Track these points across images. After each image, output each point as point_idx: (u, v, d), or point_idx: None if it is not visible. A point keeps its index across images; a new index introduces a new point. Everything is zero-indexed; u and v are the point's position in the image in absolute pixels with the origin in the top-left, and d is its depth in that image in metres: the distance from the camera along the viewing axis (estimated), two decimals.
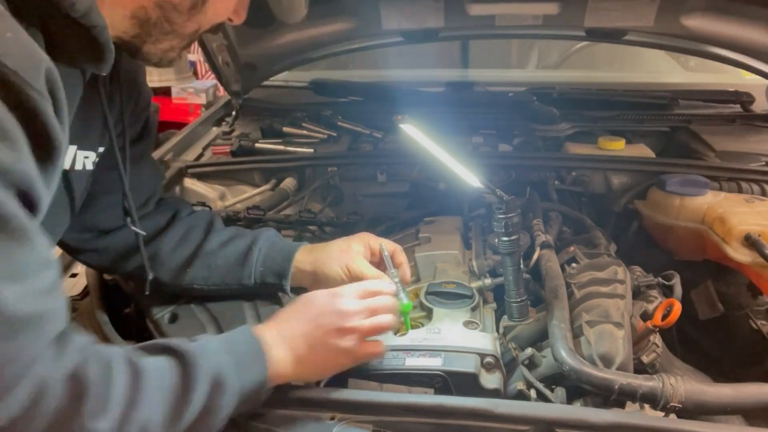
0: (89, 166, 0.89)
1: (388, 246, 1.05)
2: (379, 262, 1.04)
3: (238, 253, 1.06)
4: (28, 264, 0.57)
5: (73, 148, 0.84)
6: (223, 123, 1.93)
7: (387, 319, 0.87)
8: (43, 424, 0.58)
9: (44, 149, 0.60)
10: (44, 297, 0.58)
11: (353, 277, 1.00)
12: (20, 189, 0.56)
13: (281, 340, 0.81)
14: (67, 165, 0.83)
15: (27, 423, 0.56)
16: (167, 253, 1.05)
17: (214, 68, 1.81)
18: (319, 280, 1.04)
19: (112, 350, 0.67)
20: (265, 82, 1.99)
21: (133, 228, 0.98)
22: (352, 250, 1.03)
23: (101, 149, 0.93)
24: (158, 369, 0.69)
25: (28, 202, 0.58)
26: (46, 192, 0.62)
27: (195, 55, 4.96)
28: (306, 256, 1.06)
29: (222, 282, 1.06)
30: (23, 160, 0.56)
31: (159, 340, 0.74)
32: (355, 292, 0.88)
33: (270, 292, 1.09)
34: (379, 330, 0.86)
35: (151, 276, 1.02)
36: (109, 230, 1.03)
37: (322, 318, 0.84)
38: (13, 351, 0.55)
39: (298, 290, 1.06)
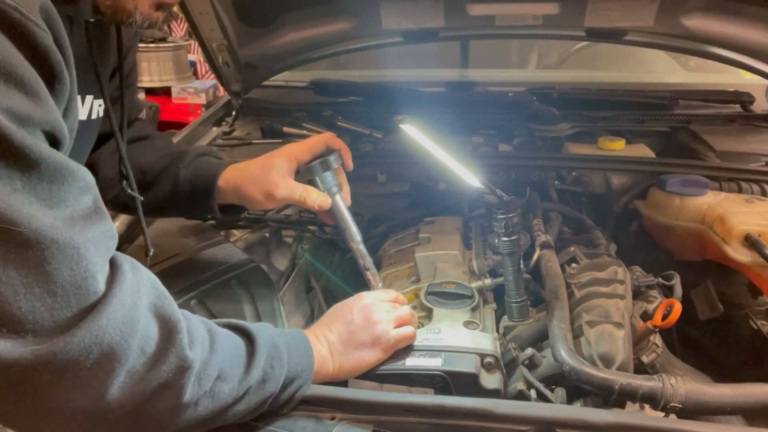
0: (101, 114, 0.90)
1: (331, 142, 1.06)
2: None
3: (173, 155, 1.10)
4: (69, 195, 0.58)
5: (89, 98, 0.85)
6: (223, 123, 1.92)
7: (407, 310, 0.97)
8: (142, 355, 0.60)
9: (51, 83, 0.61)
10: (89, 219, 0.60)
11: (276, 201, 1.02)
12: (45, 130, 0.58)
13: (319, 341, 0.88)
14: (84, 115, 0.84)
15: (122, 350, 0.59)
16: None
17: (214, 68, 1.81)
18: (241, 200, 1.05)
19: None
20: (265, 82, 1.98)
21: (130, 192, 0.98)
22: (273, 171, 1.01)
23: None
24: (226, 332, 0.74)
25: (54, 141, 0.60)
26: (65, 125, 0.63)
27: (195, 55, 4.97)
28: (230, 174, 1.05)
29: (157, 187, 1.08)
30: (45, 103, 0.58)
31: (216, 320, 0.77)
32: (376, 294, 0.99)
33: (199, 214, 1.14)
34: (403, 321, 0.95)
35: (152, 252, 1.02)
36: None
37: (352, 315, 0.92)
38: (79, 275, 0.56)
39: (228, 208, 1.09)
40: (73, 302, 0.56)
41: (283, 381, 0.76)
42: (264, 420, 0.78)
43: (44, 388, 0.55)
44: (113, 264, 0.62)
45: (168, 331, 0.63)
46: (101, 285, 0.59)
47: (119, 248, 1.21)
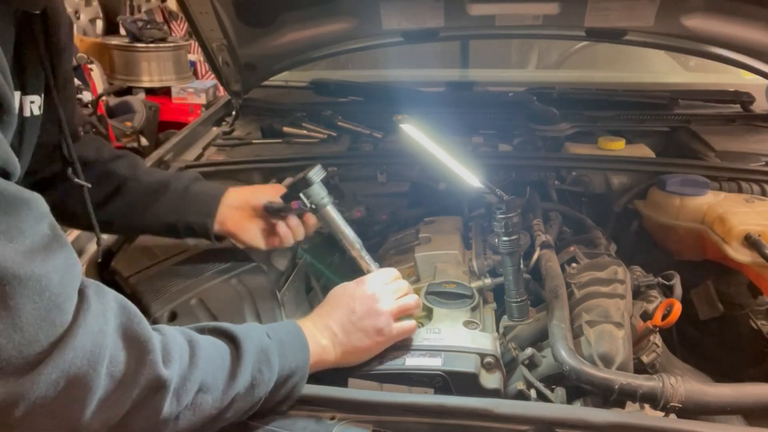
0: (36, 111, 0.86)
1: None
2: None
3: (156, 186, 1.08)
4: (26, 225, 0.56)
5: (17, 95, 0.80)
6: (223, 123, 1.92)
7: (412, 299, 0.97)
8: (112, 380, 0.59)
9: (0, 116, 0.59)
10: (49, 248, 0.58)
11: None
12: None
13: (319, 331, 0.87)
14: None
15: (91, 378, 0.57)
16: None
17: (214, 68, 1.81)
18: (243, 220, 1.09)
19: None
20: (265, 82, 1.98)
21: (76, 180, 0.94)
22: (274, 190, 1.13)
23: (44, 94, 0.89)
24: (210, 342, 0.73)
25: (5, 174, 0.59)
26: (15, 157, 0.61)
27: (195, 55, 4.97)
28: (235, 193, 1.11)
29: (141, 221, 1.09)
30: None
31: (201, 324, 0.77)
32: (380, 279, 0.97)
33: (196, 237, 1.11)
34: (407, 309, 0.95)
35: (102, 244, 1.01)
36: (45, 178, 1.01)
37: (354, 304, 0.91)
38: (43, 307, 0.55)
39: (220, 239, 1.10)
40: (41, 336, 0.54)
41: (275, 382, 0.76)
42: (264, 420, 0.78)
43: (16, 423, 0.54)
44: (78, 291, 0.60)
45: (138, 352, 0.61)
46: (68, 315, 0.57)
47: (118, 250, 1.21)
